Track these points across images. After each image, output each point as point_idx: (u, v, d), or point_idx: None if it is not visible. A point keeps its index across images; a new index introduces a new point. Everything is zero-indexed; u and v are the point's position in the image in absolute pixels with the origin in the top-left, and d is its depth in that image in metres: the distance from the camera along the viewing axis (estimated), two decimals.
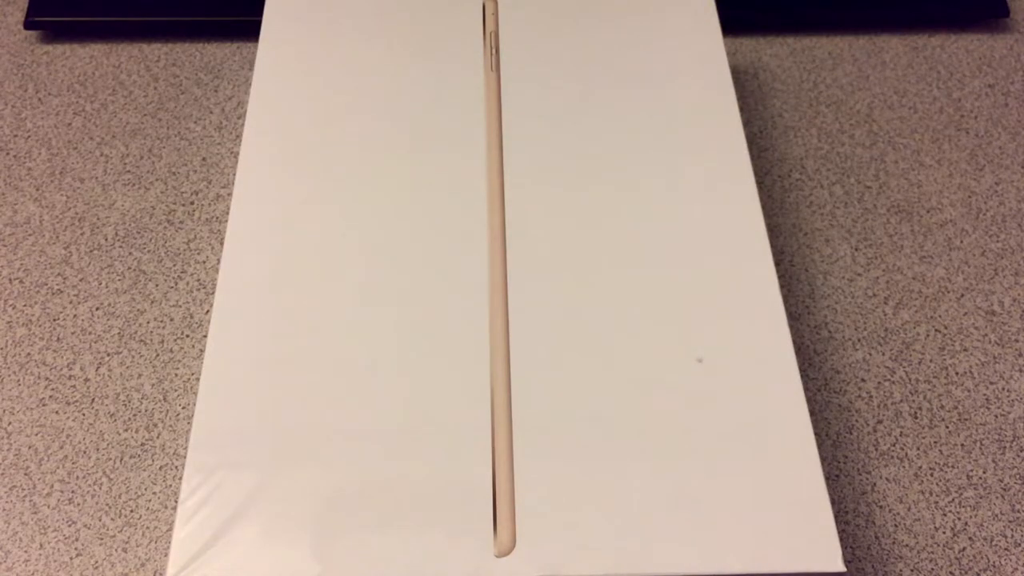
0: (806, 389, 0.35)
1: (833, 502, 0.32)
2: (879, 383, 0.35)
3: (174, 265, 0.37)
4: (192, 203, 0.39)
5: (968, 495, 0.32)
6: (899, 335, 0.36)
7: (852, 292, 0.37)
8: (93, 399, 0.34)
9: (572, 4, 0.37)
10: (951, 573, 0.31)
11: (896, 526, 0.32)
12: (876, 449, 0.33)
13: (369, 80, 0.34)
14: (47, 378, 0.34)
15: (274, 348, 0.28)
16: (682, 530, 0.25)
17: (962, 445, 0.33)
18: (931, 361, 0.35)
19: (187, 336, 0.35)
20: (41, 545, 0.31)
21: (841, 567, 0.25)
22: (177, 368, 0.35)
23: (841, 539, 0.28)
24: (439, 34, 0.36)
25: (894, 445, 0.33)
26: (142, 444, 0.33)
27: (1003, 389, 0.35)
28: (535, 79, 0.35)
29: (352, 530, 0.25)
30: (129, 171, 0.40)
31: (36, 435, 0.33)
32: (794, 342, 0.29)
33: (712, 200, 0.32)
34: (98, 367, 0.35)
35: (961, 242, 0.39)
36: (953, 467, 0.33)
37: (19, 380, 0.34)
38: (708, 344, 0.28)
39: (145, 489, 0.32)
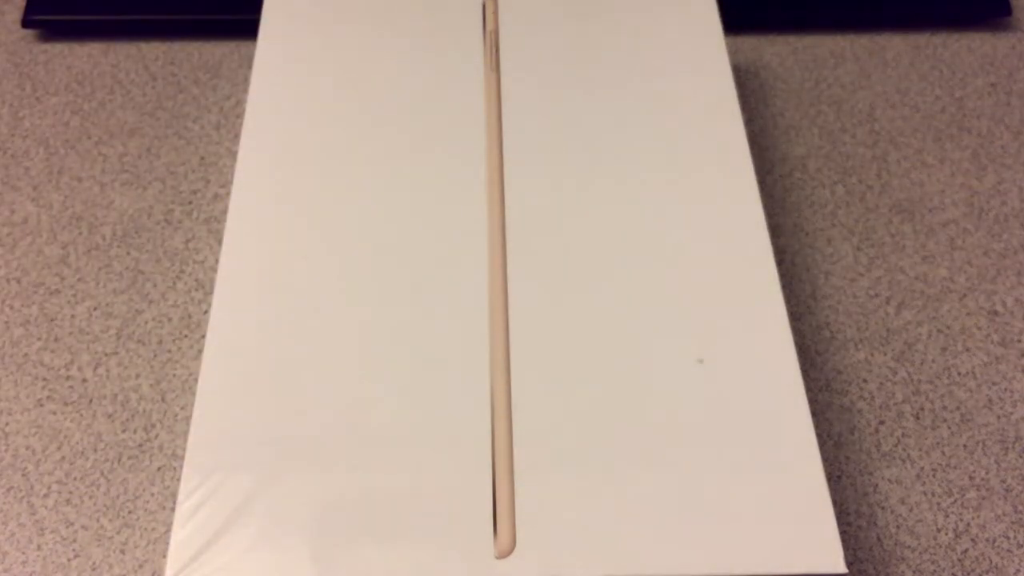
0: (808, 390, 0.34)
1: (835, 503, 0.32)
2: (881, 384, 0.35)
3: (172, 265, 0.37)
4: (190, 202, 0.39)
5: (971, 496, 0.32)
6: (901, 335, 0.36)
7: (854, 292, 0.37)
8: (91, 399, 0.34)
9: (572, 3, 0.37)
10: (953, 574, 0.31)
11: (898, 527, 0.32)
12: (878, 450, 0.33)
13: (368, 79, 0.34)
14: (44, 378, 0.34)
15: (272, 349, 0.28)
16: (682, 531, 0.25)
17: (964, 446, 0.33)
18: (933, 362, 0.35)
19: (185, 336, 0.35)
20: (39, 546, 0.30)
21: (843, 568, 0.24)
22: (175, 368, 0.34)
23: (843, 540, 0.28)
24: (439, 33, 0.36)
25: (896, 446, 0.33)
26: (140, 445, 0.33)
27: (1006, 390, 0.35)
28: (535, 78, 0.34)
29: (351, 531, 0.25)
30: (127, 170, 0.40)
31: (34, 436, 0.33)
32: (796, 342, 0.28)
33: (713, 199, 0.31)
34: (96, 367, 0.34)
35: (964, 242, 0.39)
36: (956, 468, 0.33)
37: (16, 380, 0.34)
38: (709, 345, 0.28)
39: (143, 490, 0.32)
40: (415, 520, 0.25)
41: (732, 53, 0.45)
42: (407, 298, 0.29)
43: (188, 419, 0.33)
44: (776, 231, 0.39)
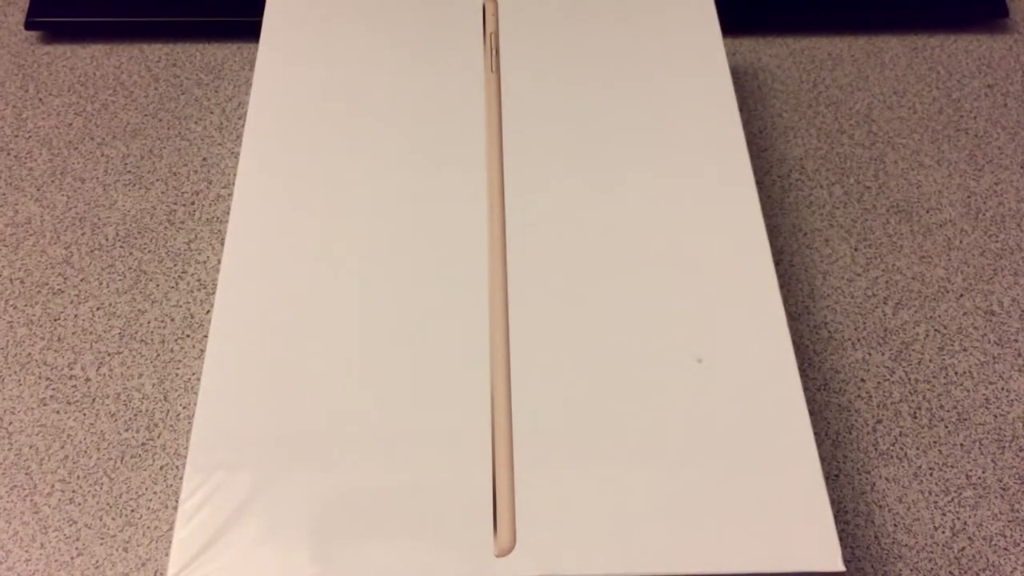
0: (806, 389, 0.35)
1: (833, 502, 0.32)
2: (878, 383, 0.35)
3: (175, 265, 0.37)
4: (193, 203, 0.39)
5: (967, 495, 0.32)
6: (898, 335, 0.36)
7: (851, 292, 0.37)
8: (94, 399, 0.34)
9: (572, 4, 0.37)
10: (950, 573, 0.31)
11: (895, 526, 0.32)
12: (875, 449, 0.33)
13: (369, 81, 0.34)
14: (48, 378, 0.34)
15: (274, 348, 0.28)
16: (682, 530, 0.25)
17: (961, 445, 0.34)
18: (930, 361, 0.35)
19: (188, 336, 0.35)
20: (42, 545, 0.31)
21: (840, 567, 0.25)
22: (178, 368, 0.35)
23: (840, 539, 0.28)
24: (439, 35, 0.36)
25: (893, 445, 0.33)
26: (143, 444, 0.33)
27: (1002, 389, 0.35)
28: (535, 80, 0.35)
29: (352, 529, 0.25)
30: (130, 171, 0.40)
31: (37, 435, 0.33)
32: (794, 342, 0.29)
33: (712, 200, 0.32)
34: (99, 367, 0.35)
35: (960, 242, 0.39)
36: (952, 467, 0.33)
37: (20, 380, 0.34)
38: (708, 344, 0.28)
39: (146, 489, 0.32)
40: (415, 519, 0.25)
41: (730, 54, 0.45)
42: (408, 298, 0.29)
43: (190, 418, 0.34)
44: (774, 232, 0.39)
